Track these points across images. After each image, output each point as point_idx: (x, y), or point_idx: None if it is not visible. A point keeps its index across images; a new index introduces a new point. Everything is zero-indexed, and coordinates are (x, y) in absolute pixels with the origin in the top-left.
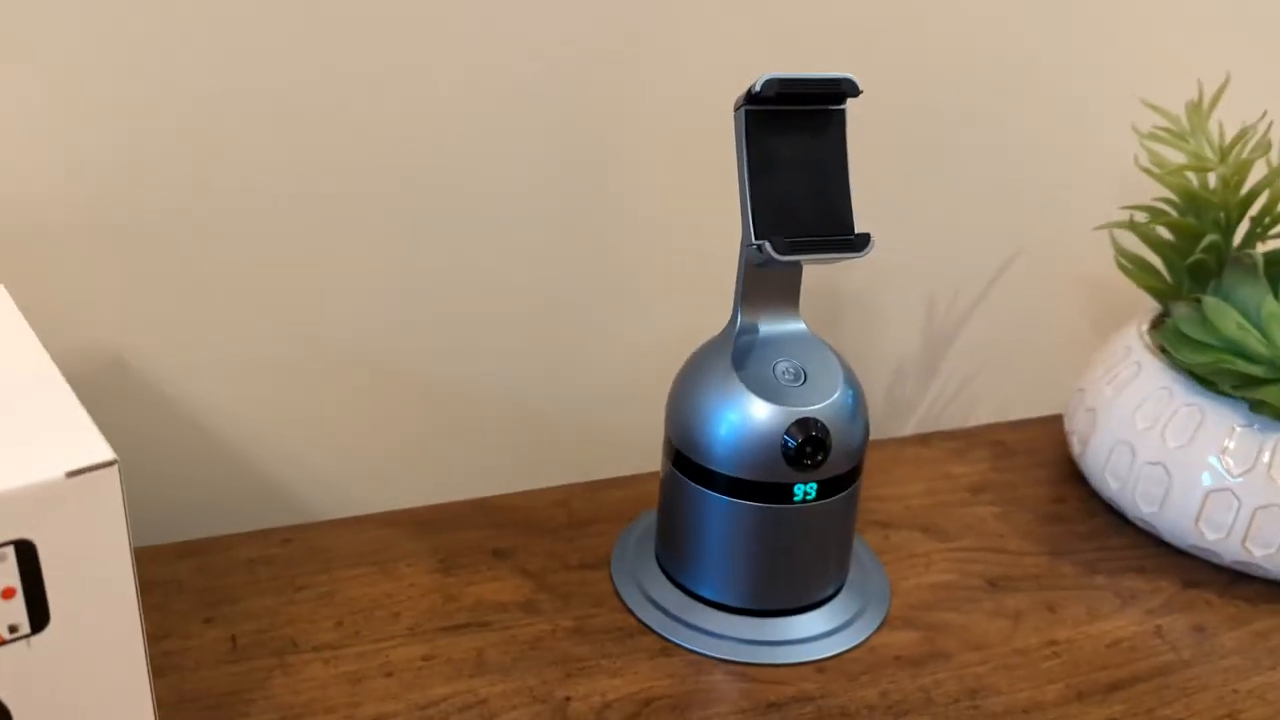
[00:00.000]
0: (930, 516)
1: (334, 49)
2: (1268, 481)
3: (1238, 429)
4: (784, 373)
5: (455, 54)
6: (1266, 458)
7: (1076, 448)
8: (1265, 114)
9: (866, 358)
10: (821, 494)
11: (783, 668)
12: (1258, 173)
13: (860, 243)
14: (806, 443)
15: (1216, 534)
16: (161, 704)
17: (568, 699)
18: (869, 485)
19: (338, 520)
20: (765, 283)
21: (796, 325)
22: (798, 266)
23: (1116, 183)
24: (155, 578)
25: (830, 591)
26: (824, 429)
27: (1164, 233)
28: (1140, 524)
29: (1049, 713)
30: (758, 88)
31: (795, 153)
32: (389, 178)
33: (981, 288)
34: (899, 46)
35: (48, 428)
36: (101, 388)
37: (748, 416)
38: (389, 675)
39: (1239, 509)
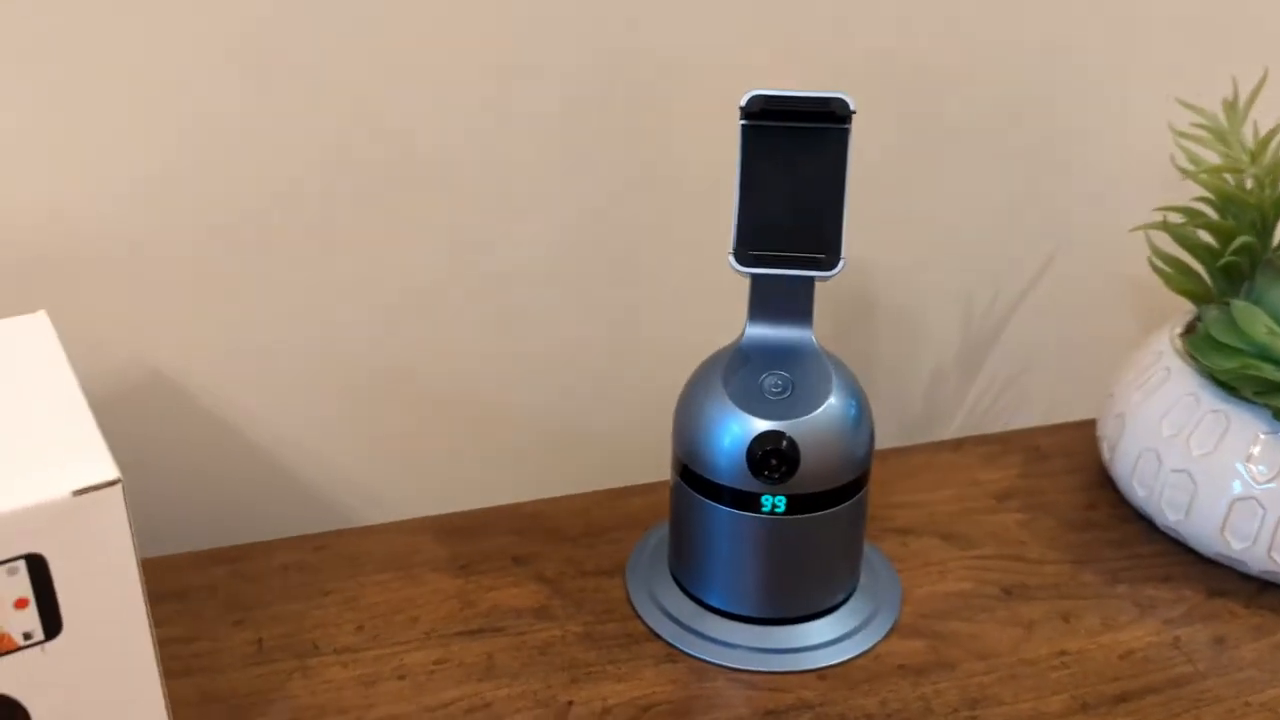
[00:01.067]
0: (952, 524)
1: (362, 77)
2: None
3: (1263, 436)
4: (772, 386)
5: (483, 84)
6: None
7: (1106, 453)
8: None
9: (902, 362)
10: (804, 507)
11: (785, 675)
12: None
13: (828, 264)
14: (771, 455)
15: (1242, 543)
16: (186, 703)
17: (570, 703)
18: (892, 492)
19: (371, 526)
20: (775, 294)
21: (804, 337)
22: (808, 280)
23: (1161, 180)
24: (192, 583)
25: (839, 599)
26: (791, 443)
27: (1203, 234)
28: (1169, 532)
29: None
30: (743, 103)
31: (791, 169)
32: (429, 200)
33: (1022, 288)
34: (938, 45)
35: (61, 447)
36: (143, 403)
37: (728, 428)
38: (402, 678)
39: (1264, 517)
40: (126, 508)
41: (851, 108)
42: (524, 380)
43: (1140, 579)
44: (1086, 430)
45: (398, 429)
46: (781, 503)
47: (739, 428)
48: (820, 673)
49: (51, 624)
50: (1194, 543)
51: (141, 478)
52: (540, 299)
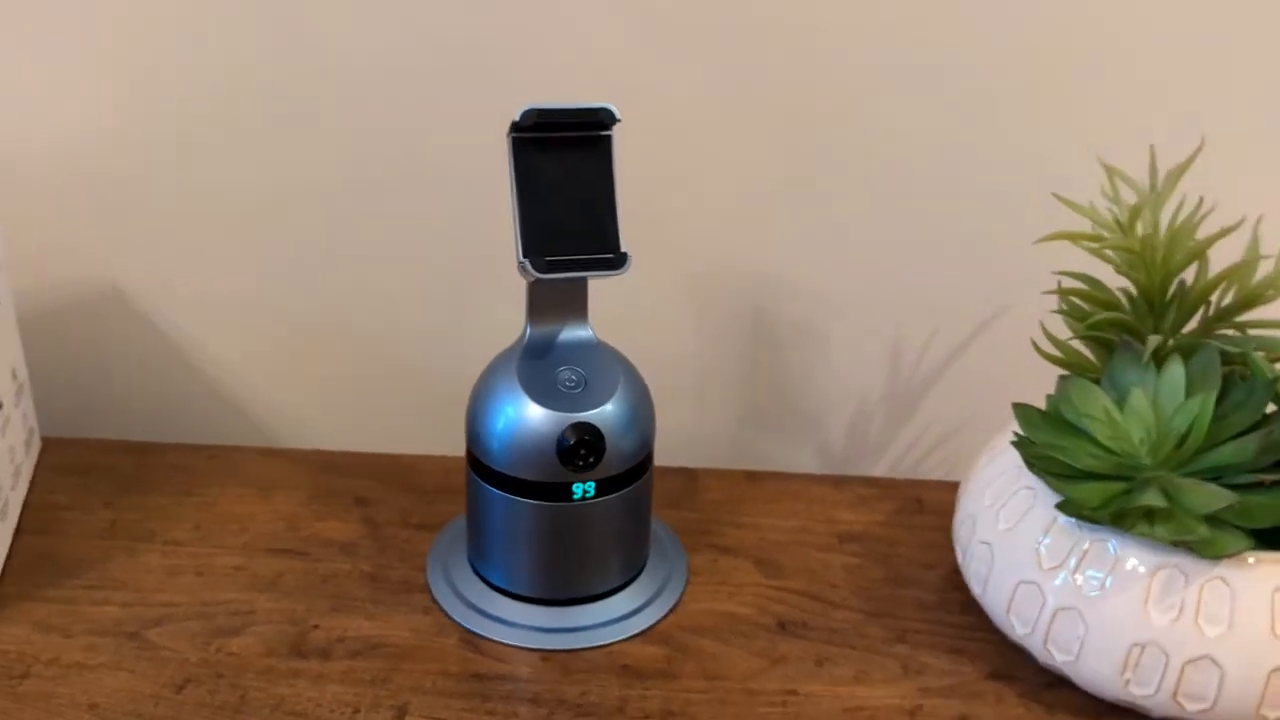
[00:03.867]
0: (776, 553)
1: (323, 33)
2: (1071, 583)
3: (1058, 523)
4: (566, 380)
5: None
6: (1074, 560)
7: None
8: (1153, 186)
9: (822, 390)
10: (597, 493)
11: (510, 648)
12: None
13: (618, 262)
14: (579, 445)
15: (1024, 628)
16: (30, 552)
17: (315, 627)
18: (740, 512)
19: (261, 448)
20: (552, 295)
21: (584, 334)
22: (582, 280)
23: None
24: (97, 464)
25: (609, 587)
26: (597, 433)
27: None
28: (978, 603)
29: None
30: (517, 118)
31: (564, 176)
32: (349, 160)
33: (966, 335)
34: (889, 88)
35: None
36: (99, 312)
37: (526, 420)
38: (199, 575)
39: (1044, 606)
40: None
41: (617, 117)
42: (434, 340)
43: (928, 644)
44: None
45: (315, 367)
46: (592, 488)
47: (538, 419)
48: (545, 654)
49: None
50: (992, 618)
51: (86, 373)
52: (459, 273)
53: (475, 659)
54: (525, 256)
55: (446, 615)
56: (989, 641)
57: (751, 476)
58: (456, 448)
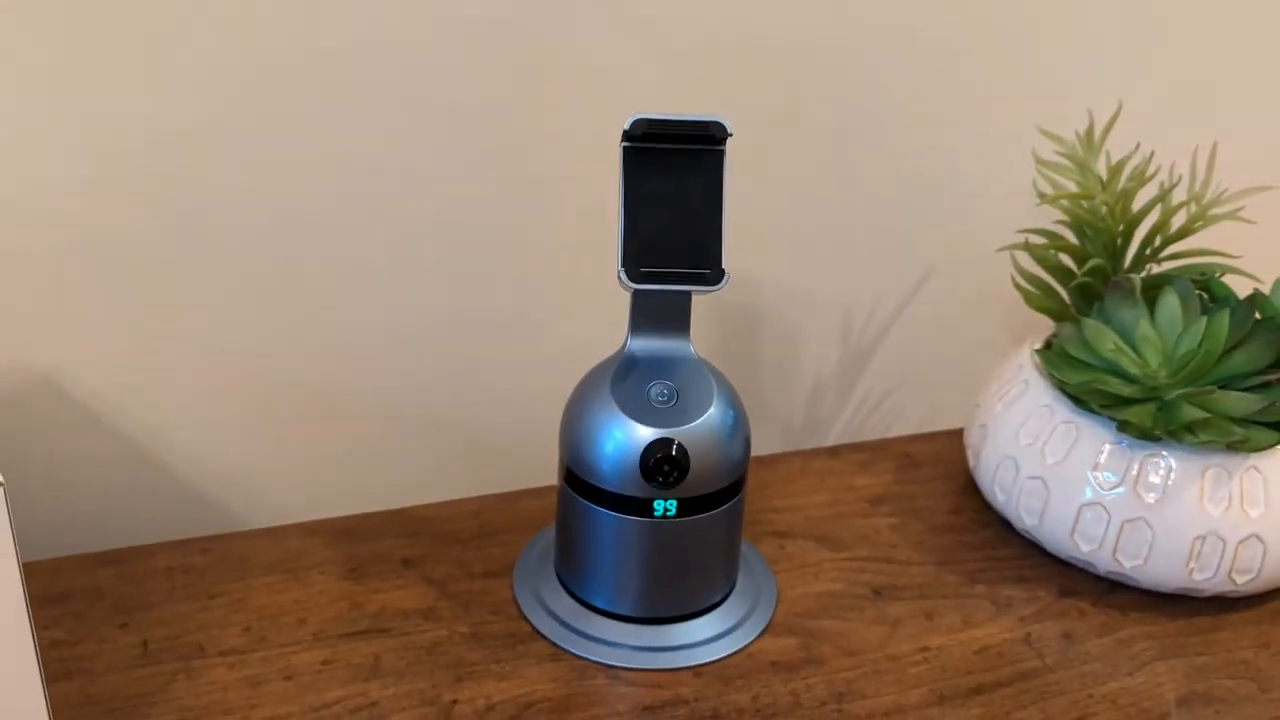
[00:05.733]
0: (827, 527)
1: (256, 88)
2: (1134, 496)
3: (1108, 446)
4: (658, 394)
5: (368, 93)
6: (1134, 473)
7: (971, 461)
8: (1138, 146)
9: (785, 372)
10: (689, 510)
11: (662, 673)
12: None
13: (714, 278)
14: (663, 461)
15: (1090, 545)
16: (68, 705)
17: (454, 702)
18: (771, 496)
19: (258, 530)
20: (654, 307)
21: (683, 349)
22: (685, 294)
23: (1030, 203)
24: (78, 585)
25: (717, 598)
26: (682, 449)
27: (1065, 259)
28: (1026, 535)
29: (910, 715)
30: (627, 127)
31: (672, 188)
32: (308, 200)
33: (899, 303)
34: (809, 76)
35: None
36: (32, 405)
37: (617, 435)
38: (288, 679)
39: (1109, 522)
40: (8, 509)
41: (729, 130)
42: (416, 388)
43: (998, 579)
44: (956, 439)
45: (287, 433)
46: (674, 506)
47: (629, 435)
48: (696, 670)
49: None
50: (1048, 545)
51: (27, 480)
52: (429, 307)
53: (633, 691)
54: (622, 266)
55: (579, 657)
56: (1043, 565)
57: (761, 461)
58: (461, 489)
